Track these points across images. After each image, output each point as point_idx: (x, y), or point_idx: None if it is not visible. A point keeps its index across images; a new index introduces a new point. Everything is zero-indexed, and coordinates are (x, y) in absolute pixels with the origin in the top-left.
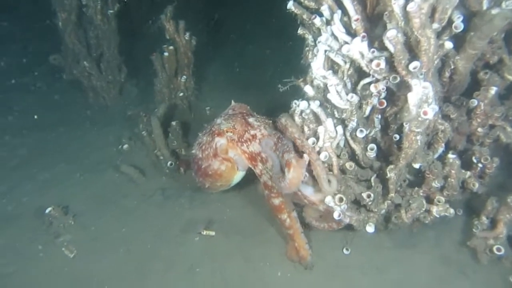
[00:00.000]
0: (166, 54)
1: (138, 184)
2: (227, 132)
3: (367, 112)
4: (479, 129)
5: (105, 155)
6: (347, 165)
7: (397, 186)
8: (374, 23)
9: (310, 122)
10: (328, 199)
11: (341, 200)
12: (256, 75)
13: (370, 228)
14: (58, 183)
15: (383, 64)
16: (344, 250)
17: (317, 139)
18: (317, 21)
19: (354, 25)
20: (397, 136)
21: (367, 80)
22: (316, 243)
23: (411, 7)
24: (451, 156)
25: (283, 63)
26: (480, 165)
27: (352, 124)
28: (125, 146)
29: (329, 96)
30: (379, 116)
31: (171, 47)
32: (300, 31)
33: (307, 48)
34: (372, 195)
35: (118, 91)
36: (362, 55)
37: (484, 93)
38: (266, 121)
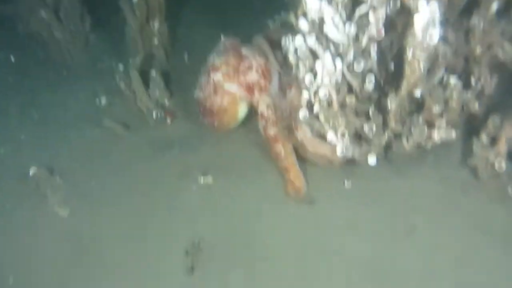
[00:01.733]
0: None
1: (124, 138)
2: (221, 67)
3: (363, 43)
4: (478, 49)
5: (83, 112)
6: (347, 99)
7: (398, 115)
8: None
9: (306, 58)
10: (331, 135)
11: (343, 135)
12: (240, 11)
13: (372, 160)
14: (37, 143)
15: None
16: (345, 183)
17: (315, 75)
18: None
19: None
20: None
21: (363, 8)
22: (315, 177)
23: None
24: (452, 80)
25: None
26: (478, 85)
27: (349, 56)
28: (103, 100)
29: (325, 29)
30: (375, 46)
31: None
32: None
33: None
34: (374, 127)
35: (84, 43)
36: None
37: (484, 11)
38: (259, 49)
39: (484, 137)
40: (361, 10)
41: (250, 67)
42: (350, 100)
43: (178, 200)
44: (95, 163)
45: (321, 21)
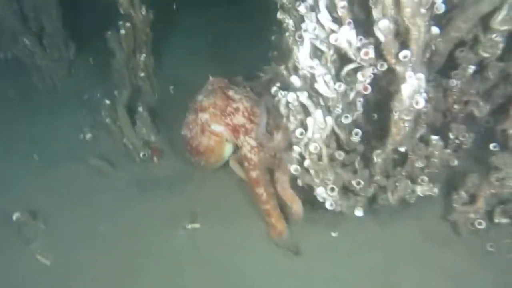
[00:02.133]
0: (122, 31)
1: (109, 177)
2: (209, 108)
3: (350, 98)
4: (455, 106)
5: (66, 147)
6: (336, 154)
7: (383, 169)
8: (359, 6)
9: (297, 112)
10: (320, 191)
11: (332, 190)
12: (224, 47)
13: (359, 212)
14: (20, 182)
15: (372, 53)
16: (332, 233)
17: (305, 129)
18: (302, 8)
19: (340, 12)
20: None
21: (351, 66)
22: (302, 228)
23: None
24: (434, 137)
25: (254, 34)
26: (457, 141)
27: (337, 110)
28: (88, 135)
29: (316, 86)
30: (361, 100)
31: (127, 24)
32: (279, 15)
33: (287, 33)
34: (361, 182)
35: (67, 71)
36: (350, 44)
37: (462, 72)
38: (246, 93)
39: (462, 194)
40: (349, 67)
41: (237, 110)
42: (339, 154)
43: (165, 247)
44: (79, 204)
45: (313, 77)
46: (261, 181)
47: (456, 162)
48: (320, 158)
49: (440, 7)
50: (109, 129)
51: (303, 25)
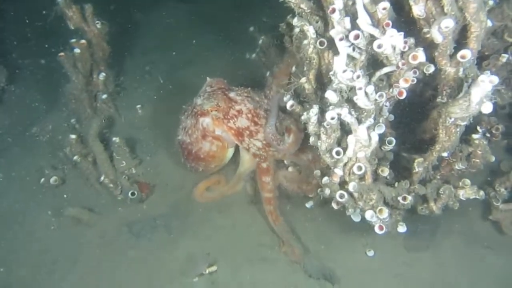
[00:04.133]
0: (77, 50)
1: (93, 227)
2: (211, 111)
3: (381, 105)
4: None
5: (28, 196)
6: (380, 171)
7: (421, 177)
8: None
9: (332, 131)
10: (369, 214)
11: (382, 212)
12: (195, 53)
13: (402, 228)
14: None
15: (422, 57)
16: (367, 252)
17: (343, 148)
18: (336, 15)
19: (380, 13)
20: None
21: (386, 70)
22: (333, 248)
23: None
24: (476, 136)
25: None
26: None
27: (370, 120)
28: (52, 178)
29: (356, 99)
30: (389, 105)
31: (82, 41)
32: (297, 22)
33: (305, 41)
34: (409, 197)
35: None
36: (394, 48)
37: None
38: (246, 93)
39: (502, 191)
40: (382, 71)
41: (240, 112)
42: (382, 170)
43: None
44: (65, 268)
45: (351, 90)
46: (270, 171)
47: (493, 158)
48: (362, 178)
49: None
50: (78, 168)
51: (334, 33)
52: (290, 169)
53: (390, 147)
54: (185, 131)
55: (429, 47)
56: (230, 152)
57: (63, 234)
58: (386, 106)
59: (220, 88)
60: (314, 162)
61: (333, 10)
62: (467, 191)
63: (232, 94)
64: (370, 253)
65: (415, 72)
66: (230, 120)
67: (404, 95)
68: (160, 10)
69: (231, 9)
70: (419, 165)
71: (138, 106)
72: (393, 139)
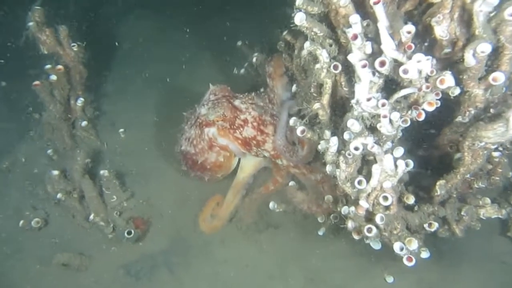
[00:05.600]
0: (53, 77)
1: (87, 273)
2: (217, 121)
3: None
4: None
5: (6, 247)
6: (405, 198)
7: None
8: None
9: (354, 161)
10: (398, 246)
11: (411, 242)
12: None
13: (425, 254)
14: None
15: (451, 81)
16: (386, 278)
17: (367, 178)
18: (358, 41)
19: (404, 38)
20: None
21: (404, 92)
22: (350, 276)
23: (509, 13)
24: (496, 154)
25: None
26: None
27: (388, 144)
28: (34, 221)
29: (380, 127)
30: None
31: (59, 67)
32: (309, 47)
33: (318, 66)
34: (435, 223)
35: None
36: (420, 72)
37: None
38: (251, 100)
39: None
40: (400, 93)
41: (245, 122)
42: (407, 198)
43: None
44: None
45: (373, 118)
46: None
47: (511, 174)
48: (388, 207)
49: None
50: (62, 207)
51: (355, 60)
52: (290, 183)
53: (408, 169)
54: (189, 141)
55: (449, 67)
56: (236, 159)
57: (53, 284)
58: (401, 125)
59: (224, 96)
60: (323, 183)
61: (355, 36)
62: (488, 210)
63: (237, 102)
64: (390, 279)
65: (437, 94)
66: (237, 130)
67: (423, 117)
68: (132, 22)
69: (205, 19)
70: (441, 188)
71: (121, 130)
72: (411, 161)
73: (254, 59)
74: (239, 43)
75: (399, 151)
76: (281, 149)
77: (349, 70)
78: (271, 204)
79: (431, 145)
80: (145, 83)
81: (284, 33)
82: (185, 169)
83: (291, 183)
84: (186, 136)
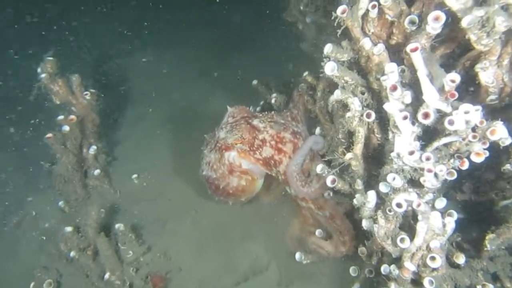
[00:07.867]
0: (66, 128)
1: None
2: (236, 144)
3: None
4: None
5: None
6: (455, 257)
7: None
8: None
9: (395, 217)
10: None
11: None
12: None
13: None
14: None
15: (503, 132)
16: None
17: (410, 236)
18: (398, 92)
19: (448, 87)
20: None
21: (446, 140)
22: None
23: None
24: None
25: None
26: None
27: (429, 196)
28: (46, 283)
29: (423, 181)
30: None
31: (72, 117)
32: (341, 95)
33: (349, 114)
34: (490, 286)
35: None
36: (468, 123)
37: None
38: (270, 118)
39: None
40: (442, 142)
41: (264, 141)
42: (457, 256)
43: None
44: None
45: (415, 171)
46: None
47: None
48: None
49: None
50: (75, 265)
51: (394, 111)
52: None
53: (452, 220)
54: (210, 166)
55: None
56: (260, 182)
57: None
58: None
59: (243, 117)
60: (333, 219)
61: (394, 88)
62: None
63: (255, 122)
64: None
65: (485, 143)
66: (256, 152)
67: (467, 165)
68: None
69: (214, 56)
70: (491, 243)
71: (134, 176)
72: (454, 212)
73: (273, 100)
74: (255, 82)
75: (442, 202)
76: (293, 175)
77: (382, 117)
78: (297, 255)
79: (471, 189)
80: (156, 123)
81: (305, 74)
82: (211, 193)
83: (317, 232)
84: (207, 160)
